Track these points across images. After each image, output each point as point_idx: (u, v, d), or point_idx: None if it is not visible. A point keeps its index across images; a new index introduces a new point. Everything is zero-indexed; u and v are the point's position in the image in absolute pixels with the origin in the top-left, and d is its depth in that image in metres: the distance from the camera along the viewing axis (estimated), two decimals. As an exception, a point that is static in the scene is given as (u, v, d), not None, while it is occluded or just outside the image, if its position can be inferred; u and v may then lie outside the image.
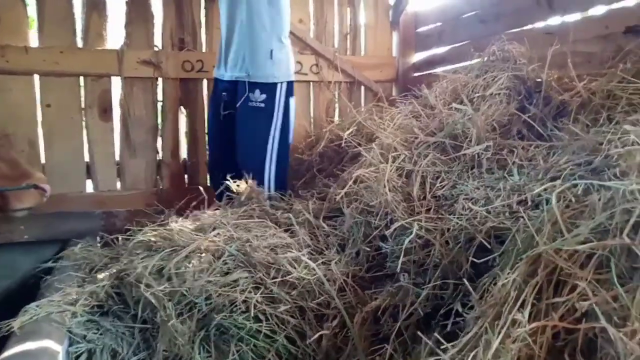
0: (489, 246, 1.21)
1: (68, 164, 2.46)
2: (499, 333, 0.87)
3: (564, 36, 1.92)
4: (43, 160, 2.44)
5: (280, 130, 2.20)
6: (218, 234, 1.72)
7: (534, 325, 0.85)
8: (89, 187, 2.55)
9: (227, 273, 1.54)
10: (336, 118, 3.01)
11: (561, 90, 1.74)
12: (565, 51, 1.80)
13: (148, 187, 2.60)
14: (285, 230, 1.83)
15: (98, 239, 2.28)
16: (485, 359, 0.84)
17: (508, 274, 0.96)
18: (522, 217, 1.11)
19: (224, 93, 2.23)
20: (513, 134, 1.79)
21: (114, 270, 1.64)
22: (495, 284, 1.00)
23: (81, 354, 1.38)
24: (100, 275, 1.68)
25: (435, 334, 1.03)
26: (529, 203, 1.23)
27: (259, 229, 1.78)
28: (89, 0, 2.45)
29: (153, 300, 1.45)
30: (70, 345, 1.38)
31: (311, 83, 2.96)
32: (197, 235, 1.71)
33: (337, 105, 3.04)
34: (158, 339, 1.43)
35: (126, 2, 2.53)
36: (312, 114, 3.00)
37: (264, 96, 2.13)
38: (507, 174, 1.47)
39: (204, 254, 1.60)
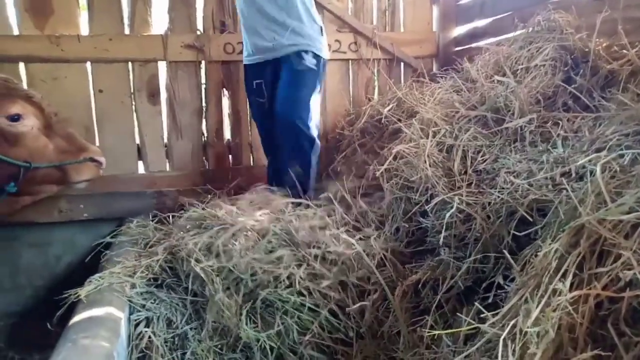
0: (530, 219, 1.21)
1: (120, 147, 2.59)
2: (539, 302, 0.88)
3: (614, 2, 1.83)
4: (97, 143, 2.57)
5: (318, 96, 2.25)
6: (263, 214, 1.78)
7: (575, 293, 0.85)
8: (141, 168, 2.68)
9: (271, 251, 1.60)
10: (375, 96, 3.00)
11: (610, 59, 1.67)
12: (616, 18, 1.72)
13: (195, 168, 2.70)
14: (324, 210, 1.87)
15: (150, 216, 2.42)
16: (525, 327, 0.86)
17: (550, 244, 0.96)
18: (566, 188, 1.10)
19: (257, 81, 2.27)
20: (558, 106, 1.74)
21: (167, 246, 1.74)
22: (536, 255, 1.01)
23: (141, 321, 1.49)
24: (154, 250, 1.79)
25: (477, 304, 1.05)
26: (573, 175, 1.21)
27: (300, 209, 1.85)
28: (133, -13, 2.53)
29: (202, 275, 1.53)
30: (130, 313, 1.49)
31: (350, 61, 2.95)
32: (243, 214, 1.78)
33: (376, 83, 3.02)
34: (207, 311, 1.52)
35: (169, -13, 2.60)
36: (351, 92, 3.00)
37: (314, 61, 2.18)
38: (551, 147, 1.45)
39: (249, 233, 1.67)
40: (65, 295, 1.50)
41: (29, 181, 1.68)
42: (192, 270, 1.57)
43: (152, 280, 1.65)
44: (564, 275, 0.91)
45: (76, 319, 1.32)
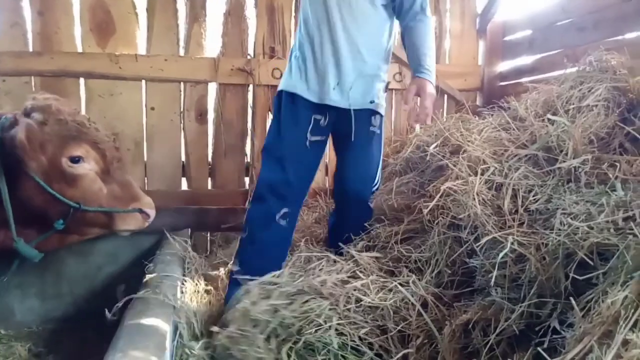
0: (591, 263, 1.17)
1: (166, 163, 2.67)
2: (609, 352, 0.85)
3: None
4: (145, 158, 2.66)
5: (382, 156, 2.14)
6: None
7: (649, 346, 0.82)
8: (184, 185, 2.75)
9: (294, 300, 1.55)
10: (417, 126, 3.01)
11: (672, 103, 1.64)
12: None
13: (236, 188, 2.75)
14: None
15: (190, 231, 2.47)
16: (595, 377, 0.83)
17: (618, 291, 0.94)
18: (632, 233, 1.07)
19: (316, 117, 1.96)
20: (614, 147, 1.71)
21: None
22: (602, 301, 0.98)
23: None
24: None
25: (539, 349, 1.02)
26: (638, 219, 1.17)
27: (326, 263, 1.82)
28: (191, 12, 2.65)
29: (228, 344, 1.46)
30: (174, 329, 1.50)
31: (394, 91, 2.98)
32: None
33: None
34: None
35: (224, 14, 2.71)
36: (392, 121, 3.02)
37: (378, 122, 2.05)
38: (610, 189, 1.41)
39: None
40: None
41: (78, 222, 1.70)
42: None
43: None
44: (635, 325, 0.87)
45: (125, 329, 1.34)
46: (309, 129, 1.95)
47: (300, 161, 1.96)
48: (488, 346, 1.25)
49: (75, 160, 1.65)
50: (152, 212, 1.85)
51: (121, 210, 1.77)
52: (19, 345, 2.08)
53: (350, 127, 1.94)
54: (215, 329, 1.51)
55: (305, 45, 1.97)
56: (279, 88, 2.03)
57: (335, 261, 1.82)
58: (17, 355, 2.02)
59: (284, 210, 1.93)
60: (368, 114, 1.99)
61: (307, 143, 1.96)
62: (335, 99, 1.94)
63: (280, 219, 1.93)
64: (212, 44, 2.75)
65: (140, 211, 1.82)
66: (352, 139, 1.96)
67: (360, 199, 2.04)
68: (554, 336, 1.16)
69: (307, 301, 1.52)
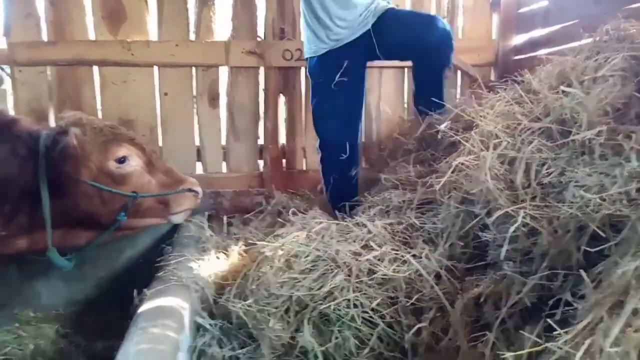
0: (603, 235, 1.17)
1: (181, 148, 2.71)
2: (619, 322, 0.85)
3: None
4: (160, 144, 2.69)
5: None
6: (296, 236, 1.76)
7: (659, 315, 0.82)
8: (199, 169, 2.78)
9: (311, 270, 1.58)
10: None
11: (691, 70, 1.59)
12: (697, 27, 1.64)
13: (250, 170, 2.78)
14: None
15: (207, 215, 2.51)
16: (605, 347, 0.83)
17: (629, 262, 0.93)
18: (645, 205, 1.05)
19: (342, 61, 2.22)
20: (630, 117, 1.67)
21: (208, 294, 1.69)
22: (613, 272, 0.98)
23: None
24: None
25: (549, 320, 1.03)
26: (651, 191, 1.16)
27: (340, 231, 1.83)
28: (200, -5, 2.65)
29: (244, 318, 1.51)
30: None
31: (405, 69, 2.94)
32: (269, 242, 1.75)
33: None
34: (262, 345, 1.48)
35: (233, -5, 2.70)
36: (405, 100, 2.99)
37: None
38: (624, 160, 1.39)
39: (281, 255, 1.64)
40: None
41: (135, 213, 1.81)
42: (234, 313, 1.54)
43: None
44: (644, 295, 0.87)
45: (145, 307, 1.39)
46: (343, 73, 2.21)
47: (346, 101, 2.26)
48: (500, 319, 1.25)
49: (121, 160, 1.76)
50: (199, 189, 2.00)
51: (173, 192, 1.91)
52: (47, 327, 2.17)
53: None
54: (232, 302, 1.55)
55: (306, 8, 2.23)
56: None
57: (349, 231, 1.84)
58: (46, 336, 2.11)
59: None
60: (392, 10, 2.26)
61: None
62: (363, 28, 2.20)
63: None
64: (222, 28, 2.75)
65: (190, 190, 1.95)
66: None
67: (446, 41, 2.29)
68: (566, 308, 1.16)
69: (324, 272, 1.56)
